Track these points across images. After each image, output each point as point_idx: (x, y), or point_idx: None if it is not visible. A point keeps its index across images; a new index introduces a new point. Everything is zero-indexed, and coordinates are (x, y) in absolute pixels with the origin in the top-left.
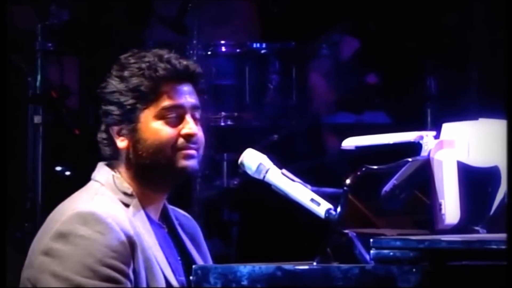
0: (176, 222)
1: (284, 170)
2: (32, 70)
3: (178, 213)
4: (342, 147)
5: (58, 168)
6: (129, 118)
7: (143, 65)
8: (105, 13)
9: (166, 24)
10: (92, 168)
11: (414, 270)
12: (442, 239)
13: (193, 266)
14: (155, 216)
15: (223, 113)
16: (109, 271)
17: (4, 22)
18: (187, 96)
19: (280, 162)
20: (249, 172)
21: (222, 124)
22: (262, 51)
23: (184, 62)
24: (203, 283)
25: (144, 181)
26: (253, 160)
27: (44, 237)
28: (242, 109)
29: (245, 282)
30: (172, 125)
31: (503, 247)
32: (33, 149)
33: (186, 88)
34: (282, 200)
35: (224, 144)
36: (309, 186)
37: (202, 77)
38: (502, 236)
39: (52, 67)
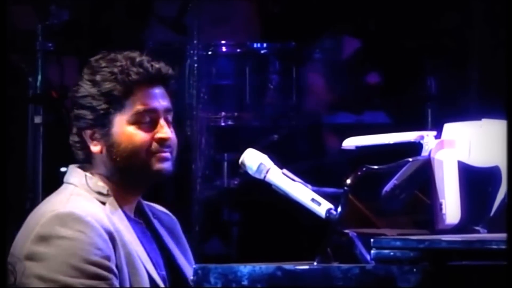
0: (152, 217)
1: (284, 170)
2: (32, 70)
3: (155, 209)
4: (342, 147)
5: (58, 168)
6: (102, 123)
7: (115, 70)
8: (105, 13)
9: (166, 24)
10: None
11: (414, 270)
12: (442, 239)
13: (193, 266)
14: (130, 213)
15: (223, 113)
16: (94, 269)
17: (4, 22)
18: (160, 99)
19: (281, 162)
20: (250, 172)
21: (222, 124)
22: (262, 51)
23: (156, 65)
24: (203, 283)
25: (118, 183)
26: (253, 160)
27: (24, 242)
28: (242, 109)
29: (245, 282)
30: (145, 129)
31: (503, 247)
32: (33, 149)
33: (158, 91)
34: (282, 200)
35: (224, 144)
36: (309, 186)
37: (174, 79)
38: (502, 236)
39: (52, 67)
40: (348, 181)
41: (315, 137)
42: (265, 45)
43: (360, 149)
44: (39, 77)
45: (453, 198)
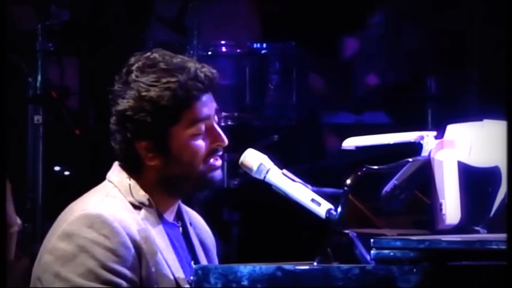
0: (188, 224)
1: (284, 170)
2: (32, 70)
3: (193, 216)
4: (342, 147)
5: (58, 168)
6: (160, 136)
7: (172, 85)
8: (105, 13)
9: (166, 24)
10: (92, 168)
11: (414, 270)
12: (442, 239)
13: (194, 266)
14: (170, 216)
15: (223, 113)
16: (110, 276)
17: (4, 22)
18: (211, 104)
19: (281, 162)
20: (250, 172)
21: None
22: (262, 51)
23: (209, 74)
24: (203, 283)
25: (167, 190)
26: (253, 160)
27: (51, 236)
28: (242, 109)
29: (245, 282)
30: (203, 138)
31: (503, 247)
32: (33, 149)
33: (210, 96)
34: (282, 200)
35: None
36: (309, 186)
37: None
38: (502, 236)
39: (52, 67)
40: (348, 181)
41: (315, 137)
42: (265, 45)
43: (360, 149)
44: (39, 77)
45: (453, 198)
